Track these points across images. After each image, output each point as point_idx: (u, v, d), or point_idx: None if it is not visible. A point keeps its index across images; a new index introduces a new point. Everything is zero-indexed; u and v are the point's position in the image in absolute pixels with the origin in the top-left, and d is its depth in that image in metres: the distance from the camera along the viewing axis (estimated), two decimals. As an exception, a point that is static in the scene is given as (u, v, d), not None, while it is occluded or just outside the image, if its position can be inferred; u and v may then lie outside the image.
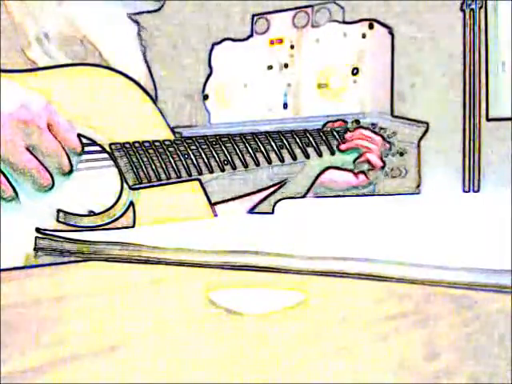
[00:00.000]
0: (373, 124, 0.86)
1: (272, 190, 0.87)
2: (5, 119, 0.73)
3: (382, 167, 0.85)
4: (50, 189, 0.76)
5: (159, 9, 0.93)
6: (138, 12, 0.92)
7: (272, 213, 0.87)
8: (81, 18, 0.87)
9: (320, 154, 0.86)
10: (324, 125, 0.87)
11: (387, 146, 0.85)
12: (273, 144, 0.85)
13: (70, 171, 0.78)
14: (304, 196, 0.87)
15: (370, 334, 0.37)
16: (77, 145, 0.77)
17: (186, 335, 0.38)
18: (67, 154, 0.77)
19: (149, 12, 0.92)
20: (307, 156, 0.85)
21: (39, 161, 0.75)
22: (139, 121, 0.84)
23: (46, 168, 0.75)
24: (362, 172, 0.86)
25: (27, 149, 0.74)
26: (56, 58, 0.85)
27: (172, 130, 0.85)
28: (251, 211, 0.88)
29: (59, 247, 0.70)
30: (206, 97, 0.95)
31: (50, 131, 0.75)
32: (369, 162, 0.86)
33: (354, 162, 0.87)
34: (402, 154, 0.85)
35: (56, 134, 0.76)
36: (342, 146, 0.86)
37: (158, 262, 0.61)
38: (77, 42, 0.86)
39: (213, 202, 0.85)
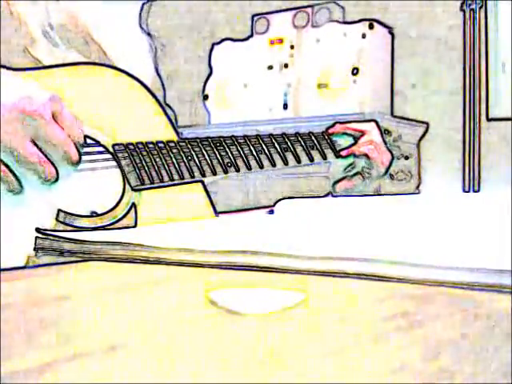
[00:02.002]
0: (377, 124, 0.85)
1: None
2: (8, 111, 0.72)
3: (385, 172, 0.85)
4: (55, 182, 0.76)
5: None
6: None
7: (272, 213, 0.87)
8: (87, 16, 0.87)
9: (324, 157, 0.85)
10: (331, 126, 0.87)
11: (390, 157, 0.85)
12: (277, 146, 0.85)
13: (78, 161, 0.77)
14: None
15: (370, 334, 0.37)
16: (79, 135, 0.77)
17: (186, 335, 0.38)
18: (75, 144, 0.76)
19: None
20: (311, 159, 0.85)
21: (44, 153, 0.74)
22: (143, 121, 0.84)
23: (50, 161, 0.75)
24: (358, 173, 0.86)
25: (32, 141, 0.74)
26: (63, 49, 0.85)
27: (176, 130, 0.85)
28: (270, 212, 0.88)
29: (59, 247, 0.70)
30: (206, 97, 0.95)
31: (56, 122, 0.75)
32: (367, 156, 0.86)
33: (345, 169, 0.86)
34: (407, 158, 0.84)
35: (62, 124, 0.75)
36: (343, 152, 0.85)
37: (158, 261, 0.61)
38: (81, 39, 0.86)
39: (216, 207, 0.85)
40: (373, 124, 0.85)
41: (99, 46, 0.87)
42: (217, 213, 0.85)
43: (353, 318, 0.41)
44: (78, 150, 0.77)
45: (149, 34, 0.91)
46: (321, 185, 0.87)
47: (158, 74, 0.91)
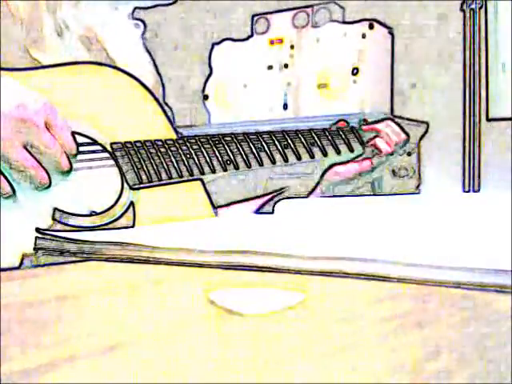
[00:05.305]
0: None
1: (273, 195, 0.87)
2: (2, 117, 0.73)
3: (391, 153, 0.85)
4: (47, 188, 0.76)
5: (174, 2, 0.93)
6: (151, 6, 0.92)
7: (272, 213, 0.87)
8: (89, 16, 0.87)
9: (325, 154, 0.85)
10: (331, 126, 0.87)
11: (405, 137, 0.85)
12: (277, 144, 0.85)
13: (69, 170, 0.78)
14: (309, 195, 0.87)
15: (370, 334, 0.37)
16: (71, 145, 0.78)
17: (186, 335, 0.38)
18: (66, 153, 0.77)
19: (162, 5, 0.92)
20: (312, 156, 0.85)
21: (36, 159, 0.75)
22: (142, 120, 0.84)
23: (43, 167, 0.75)
24: (367, 158, 0.86)
25: (25, 147, 0.74)
26: (76, 51, 0.85)
27: (175, 129, 0.85)
28: (257, 211, 0.88)
29: (59, 247, 0.70)
30: (206, 97, 0.95)
31: (48, 130, 0.75)
32: (376, 147, 0.86)
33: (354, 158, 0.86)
34: (409, 154, 0.84)
35: (54, 133, 0.76)
36: (365, 127, 0.85)
37: (158, 262, 0.61)
38: (84, 39, 0.86)
39: (216, 204, 0.85)
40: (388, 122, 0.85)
41: (102, 45, 0.87)
42: (216, 212, 0.85)
43: (353, 318, 0.41)
44: (69, 159, 0.77)
45: (142, 21, 0.91)
46: (307, 184, 0.87)
47: (158, 73, 0.91)
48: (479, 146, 0.82)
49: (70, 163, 0.77)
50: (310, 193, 0.87)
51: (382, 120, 0.86)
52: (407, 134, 0.85)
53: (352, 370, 0.31)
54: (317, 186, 0.86)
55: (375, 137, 0.86)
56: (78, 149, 0.78)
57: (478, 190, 0.82)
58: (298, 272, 0.54)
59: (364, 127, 0.85)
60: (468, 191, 0.82)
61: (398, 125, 0.85)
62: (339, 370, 0.31)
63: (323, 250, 0.55)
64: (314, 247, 0.57)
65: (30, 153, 0.74)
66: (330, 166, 0.86)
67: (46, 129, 0.75)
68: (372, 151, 0.85)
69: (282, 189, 0.87)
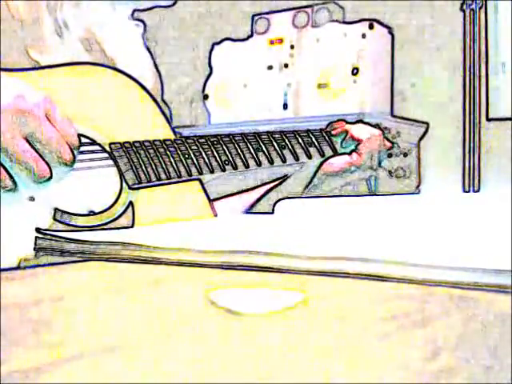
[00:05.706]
0: (377, 124, 0.86)
1: (270, 186, 0.87)
2: (2, 109, 0.73)
3: (378, 150, 0.85)
4: (48, 180, 0.76)
5: (173, 4, 0.93)
6: (150, 7, 0.92)
7: (272, 213, 0.87)
8: (89, 16, 0.87)
9: (322, 154, 0.85)
10: (327, 126, 0.87)
11: (388, 145, 0.85)
12: (274, 144, 0.85)
13: (72, 162, 0.77)
14: (305, 189, 0.87)
15: (370, 334, 0.37)
16: (74, 137, 0.77)
17: (186, 335, 0.38)
18: (69, 145, 0.77)
19: (162, 7, 0.92)
20: (309, 156, 0.85)
21: (37, 152, 0.75)
22: (140, 120, 0.84)
23: (44, 159, 0.75)
24: (353, 151, 0.86)
25: (25, 139, 0.74)
26: (75, 51, 0.85)
27: (173, 129, 0.85)
28: (248, 211, 0.87)
29: (59, 247, 0.70)
30: (206, 97, 0.95)
31: (49, 121, 0.75)
32: (352, 137, 0.86)
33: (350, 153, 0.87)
34: (405, 155, 0.84)
35: (55, 125, 0.76)
36: (334, 131, 0.85)
37: (158, 262, 0.61)
38: (85, 40, 0.86)
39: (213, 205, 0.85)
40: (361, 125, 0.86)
41: (101, 45, 0.87)
42: (216, 213, 0.85)
43: (353, 318, 0.41)
44: (72, 151, 0.77)
45: (141, 21, 0.91)
46: (296, 186, 0.87)
47: (158, 73, 0.91)
48: (479, 146, 0.82)
49: (74, 155, 0.77)
50: (307, 186, 0.87)
51: (353, 123, 0.87)
52: (381, 130, 0.85)
53: (352, 370, 0.31)
54: (313, 179, 0.86)
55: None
56: (80, 140, 0.78)
57: (478, 190, 0.82)
58: (298, 272, 0.54)
59: (333, 131, 0.86)
60: (468, 191, 0.82)
61: (369, 124, 0.86)
62: (339, 369, 0.31)
63: (323, 249, 0.55)
64: (313, 247, 0.57)
65: (31, 145, 0.74)
66: (326, 159, 0.86)
67: (46, 119, 0.75)
68: (356, 144, 0.86)
69: (281, 178, 0.86)
